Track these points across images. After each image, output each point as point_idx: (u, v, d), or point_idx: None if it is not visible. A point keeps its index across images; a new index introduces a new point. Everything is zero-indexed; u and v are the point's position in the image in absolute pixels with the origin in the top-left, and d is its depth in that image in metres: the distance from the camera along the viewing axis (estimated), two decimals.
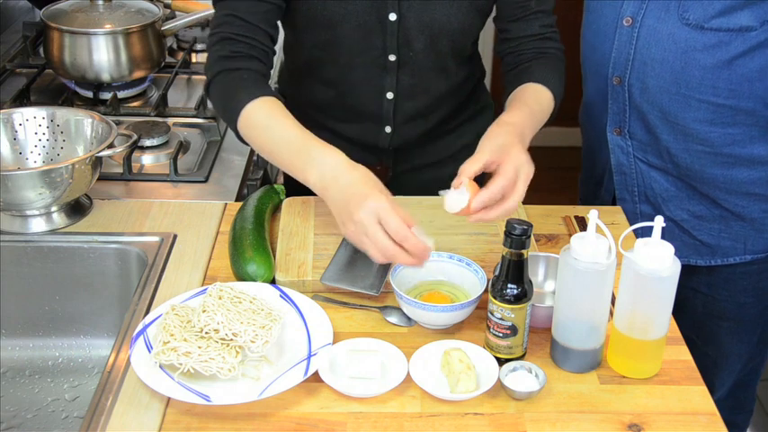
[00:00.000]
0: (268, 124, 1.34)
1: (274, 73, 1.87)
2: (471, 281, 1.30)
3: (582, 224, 1.52)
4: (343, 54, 1.51)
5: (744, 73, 1.46)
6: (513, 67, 1.53)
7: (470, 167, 1.25)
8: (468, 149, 1.50)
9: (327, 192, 1.25)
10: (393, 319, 1.28)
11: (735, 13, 1.42)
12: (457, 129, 1.68)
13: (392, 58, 1.50)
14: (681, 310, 1.57)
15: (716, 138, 1.52)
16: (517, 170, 1.25)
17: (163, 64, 2.05)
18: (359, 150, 1.60)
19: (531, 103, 1.41)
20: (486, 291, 1.23)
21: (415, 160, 1.65)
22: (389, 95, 1.54)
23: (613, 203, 1.69)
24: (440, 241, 1.43)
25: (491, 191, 1.23)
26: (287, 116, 1.34)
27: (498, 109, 1.48)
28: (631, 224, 1.69)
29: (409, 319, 1.28)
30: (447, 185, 1.48)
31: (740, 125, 1.51)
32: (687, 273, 1.61)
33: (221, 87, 1.39)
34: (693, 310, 1.70)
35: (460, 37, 1.52)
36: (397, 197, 1.54)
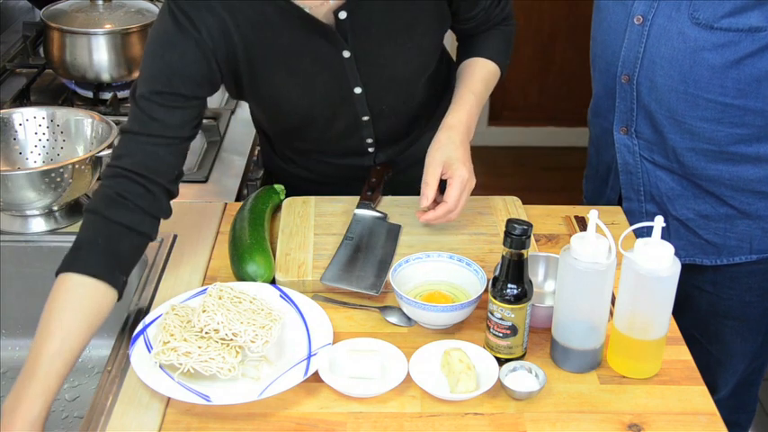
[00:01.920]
0: (51, 308, 1.16)
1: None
2: (471, 281, 1.30)
3: (582, 224, 1.52)
4: (317, 125, 1.52)
5: (752, 73, 1.46)
6: (461, 38, 1.59)
7: (430, 193, 1.37)
8: None
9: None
10: (393, 319, 1.28)
11: (745, 14, 1.42)
12: (435, 125, 1.68)
13: (365, 118, 1.50)
14: (685, 309, 1.57)
15: (722, 137, 1.52)
16: (462, 187, 1.37)
17: None
18: (346, 170, 1.62)
19: (477, 86, 1.49)
20: (486, 291, 1.23)
21: (400, 162, 1.66)
22: (369, 140, 1.56)
23: (619, 202, 1.69)
24: (440, 241, 1.43)
25: (436, 213, 1.37)
26: (65, 328, 1.15)
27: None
28: (637, 223, 1.70)
29: (409, 319, 1.28)
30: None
31: (748, 125, 1.51)
32: (692, 271, 1.61)
33: (85, 231, 1.24)
34: (698, 308, 1.69)
35: (424, 72, 1.53)
36: (396, 198, 1.55)
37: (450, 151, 1.39)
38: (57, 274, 1.19)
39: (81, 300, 1.18)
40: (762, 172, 1.55)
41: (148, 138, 1.28)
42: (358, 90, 1.44)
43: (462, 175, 1.37)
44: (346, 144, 1.57)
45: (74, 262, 1.19)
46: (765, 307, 1.69)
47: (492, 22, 1.54)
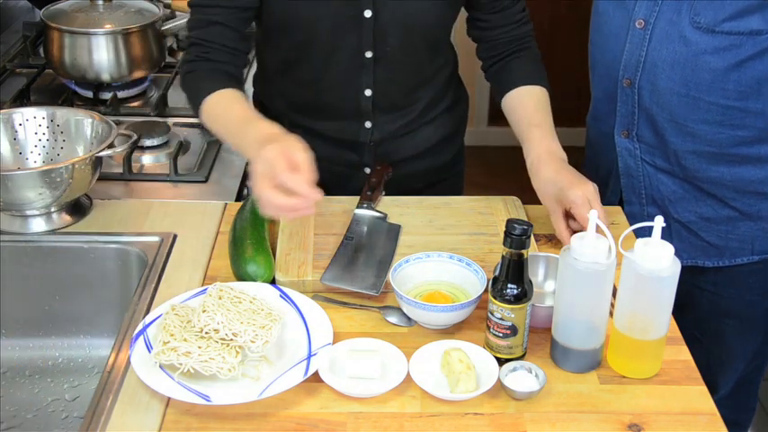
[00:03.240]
0: (220, 113, 1.43)
1: (249, 75, 1.88)
2: (471, 281, 1.29)
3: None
4: (318, 54, 1.53)
5: (753, 75, 1.47)
6: (495, 59, 1.59)
7: (563, 230, 1.37)
8: (446, 141, 1.51)
9: (259, 152, 1.24)
10: (393, 319, 1.28)
11: (746, 17, 1.43)
12: (434, 121, 1.69)
13: (368, 54, 1.51)
14: (686, 308, 1.56)
15: (724, 139, 1.53)
16: (588, 200, 1.33)
17: (163, 64, 2.05)
18: (337, 147, 1.61)
19: (544, 115, 1.53)
20: (486, 291, 1.23)
21: (394, 155, 1.65)
22: (368, 92, 1.56)
23: (620, 205, 1.69)
24: (440, 241, 1.43)
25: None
26: (238, 102, 1.42)
27: (479, 100, 1.52)
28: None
29: (409, 319, 1.28)
30: (425, 178, 1.49)
31: (749, 127, 1.51)
32: (694, 272, 1.61)
33: (189, 83, 1.49)
34: (699, 307, 1.70)
35: (435, 30, 1.55)
36: (396, 198, 1.55)
37: (559, 180, 1.38)
38: (198, 108, 1.44)
39: (234, 95, 1.43)
40: (763, 173, 1.55)
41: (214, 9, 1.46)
42: (368, 13, 1.45)
43: (585, 193, 1.34)
44: (343, 95, 1.57)
45: (208, 87, 1.43)
46: (766, 306, 1.69)
47: (513, 23, 1.56)
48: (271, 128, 1.31)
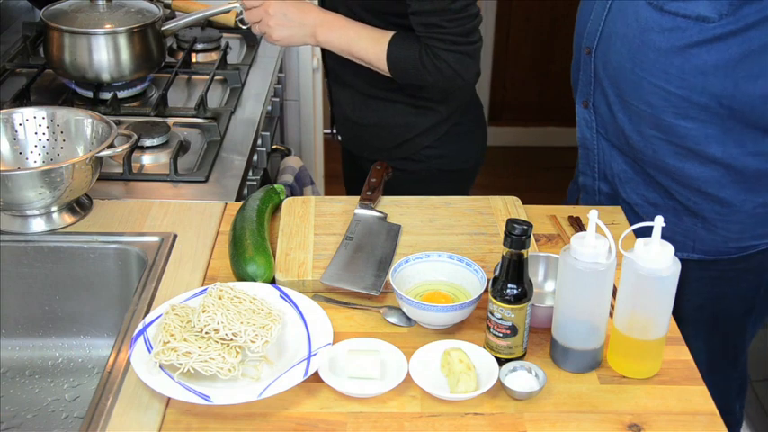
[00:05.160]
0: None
1: None
2: (471, 281, 1.30)
3: (577, 224, 1.51)
4: None
5: (697, 64, 1.43)
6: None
7: None
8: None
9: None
10: (393, 319, 1.28)
11: (693, 0, 1.41)
12: (397, 116, 1.79)
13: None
14: None
15: (667, 126, 1.49)
16: None
17: (163, 64, 2.05)
18: None
19: (358, 30, 1.66)
20: (486, 291, 1.23)
21: (358, 146, 1.82)
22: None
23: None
24: (440, 241, 1.43)
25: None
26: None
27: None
28: (590, 202, 1.68)
29: (409, 319, 1.28)
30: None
31: (694, 119, 1.47)
32: None
33: None
34: None
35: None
36: (396, 198, 1.55)
37: None
38: None
39: None
40: (707, 172, 1.51)
41: None
42: None
43: None
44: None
45: None
46: (715, 313, 1.64)
47: (428, 22, 1.60)
48: None
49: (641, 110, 1.50)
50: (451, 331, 1.27)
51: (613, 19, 1.51)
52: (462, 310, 1.24)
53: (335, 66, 1.81)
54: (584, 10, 1.60)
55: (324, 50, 1.80)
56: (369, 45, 1.63)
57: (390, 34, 1.63)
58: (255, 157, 1.89)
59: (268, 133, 2.06)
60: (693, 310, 1.62)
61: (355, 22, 1.66)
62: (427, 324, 1.26)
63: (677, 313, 1.64)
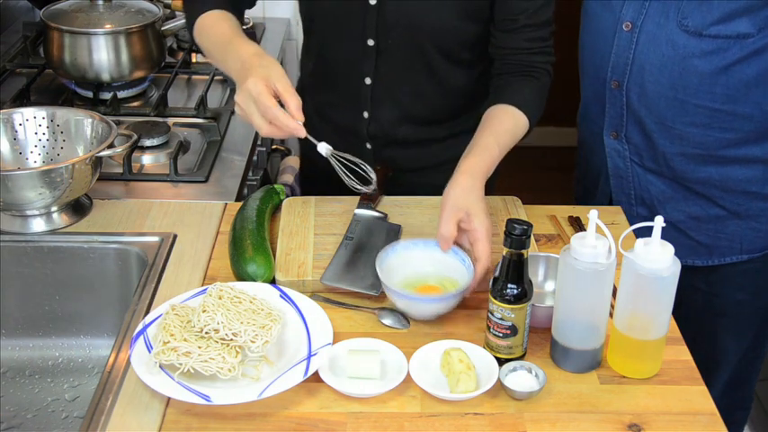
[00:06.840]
0: (208, 32, 1.49)
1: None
2: (459, 270, 1.29)
3: (577, 224, 1.52)
4: (324, 29, 1.57)
5: (741, 78, 1.47)
6: (498, 75, 1.52)
7: (446, 247, 1.30)
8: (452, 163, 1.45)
9: (241, 73, 1.33)
10: (388, 321, 1.28)
11: (733, 21, 1.43)
12: (447, 140, 1.64)
13: (370, 42, 1.52)
14: (678, 308, 1.57)
15: (711, 141, 1.53)
16: (487, 236, 1.28)
17: (163, 64, 2.05)
18: (344, 135, 1.61)
19: (504, 137, 1.40)
20: (474, 280, 1.25)
21: (402, 164, 1.64)
22: (367, 80, 1.56)
23: (609, 205, 1.69)
24: None
25: (478, 280, 1.27)
26: (225, 21, 1.48)
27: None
28: (634, 225, 1.69)
29: (405, 320, 1.28)
30: (428, 191, 1.48)
31: (736, 129, 1.51)
32: (685, 272, 1.61)
33: (187, 4, 1.57)
34: (692, 306, 1.70)
35: (443, 35, 1.51)
36: (396, 198, 1.55)
37: (472, 201, 1.29)
38: (192, 25, 1.52)
39: (224, 15, 1.49)
40: (750, 172, 1.55)
41: None
42: (372, 1, 1.47)
43: (489, 228, 1.29)
44: (346, 80, 1.59)
45: (201, 7, 1.50)
46: (757, 305, 1.69)
47: (525, 49, 1.50)
48: (249, 48, 1.37)
49: (685, 132, 1.53)
50: (451, 331, 1.27)
51: (644, 50, 1.51)
52: (451, 300, 1.24)
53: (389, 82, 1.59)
54: (600, 43, 1.58)
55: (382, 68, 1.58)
56: (513, 138, 1.44)
57: (512, 110, 1.44)
58: (255, 157, 1.89)
59: None
60: (735, 304, 1.69)
61: (487, 137, 1.39)
62: (417, 316, 1.27)
63: (714, 308, 1.68)
